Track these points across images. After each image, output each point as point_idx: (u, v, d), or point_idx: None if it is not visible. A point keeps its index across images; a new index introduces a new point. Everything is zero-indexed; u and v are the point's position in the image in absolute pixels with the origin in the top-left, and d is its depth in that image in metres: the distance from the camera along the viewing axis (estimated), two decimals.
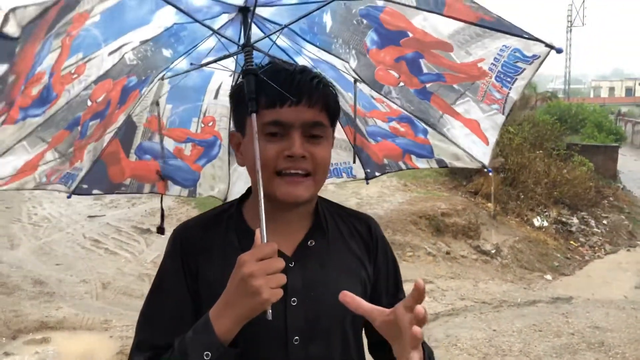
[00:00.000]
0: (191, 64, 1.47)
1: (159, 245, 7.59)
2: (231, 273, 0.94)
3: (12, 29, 0.82)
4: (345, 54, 1.52)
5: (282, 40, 1.49)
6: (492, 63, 1.34)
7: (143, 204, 9.67)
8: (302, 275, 1.03)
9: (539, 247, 9.33)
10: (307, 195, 1.05)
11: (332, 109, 1.08)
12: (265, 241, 0.94)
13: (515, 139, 12.04)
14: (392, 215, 8.71)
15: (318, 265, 1.09)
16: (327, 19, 1.46)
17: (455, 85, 1.44)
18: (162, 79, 1.54)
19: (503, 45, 1.30)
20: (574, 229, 10.57)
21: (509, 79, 1.35)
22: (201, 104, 1.72)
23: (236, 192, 1.92)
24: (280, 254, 0.95)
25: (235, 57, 1.35)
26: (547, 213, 10.92)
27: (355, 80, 1.56)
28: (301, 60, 1.56)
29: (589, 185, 12.10)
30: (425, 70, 1.43)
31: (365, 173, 1.82)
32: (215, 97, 1.71)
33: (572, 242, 10.08)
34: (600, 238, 10.35)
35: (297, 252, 1.09)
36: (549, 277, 8.20)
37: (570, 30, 45.19)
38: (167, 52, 1.45)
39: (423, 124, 1.59)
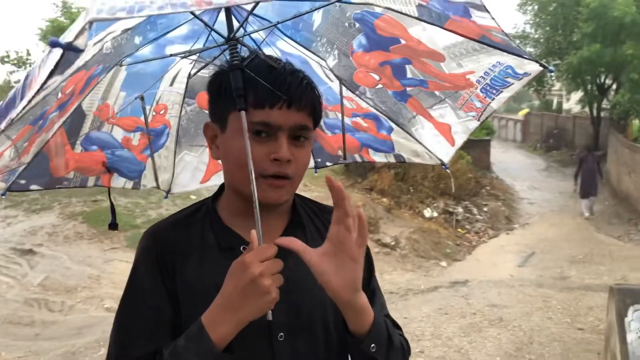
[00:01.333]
0: (171, 54, 1.37)
1: (45, 267, 6.85)
2: (210, 272, 0.98)
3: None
4: (324, 53, 1.49)
5: (257, 33, 1.42)
6: (481, 76, 1.34)
7: (21, 223, 8.67)
8: (284, 272, 0.99)
9: (432, 236, 9.97)
10: (287, 197, 1.07)
11: (317, 113, 1.07)
12: (261, 243, 0.94)
13: None
14: None
15: (297, 262, 1.05)
16: (317, 17, 1.42)
17: (436, 92, 1.44)
18: (120, 65, 1.40)
19: (497, 62, 1.30)
20: (460, 217, 11.45)
21: (494, 91, 1.36)
22: (156, 91, 1.60)
23: (180, 183, 1.82)
24: None
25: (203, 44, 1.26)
26: (435, 204, 11.70)
27: (341, 81, 1.53)
28: (269, 52, 1.49)
29: (469, 176, 13.19)
30: (409, 75, 1.42)
31: (315, 162, 1.81)
32: (171, 84, 1.60)
33: (459, 229, 10.90)
34: (483, 224, 11.32)
35: (277, 250, 1.05)
36: (444, 263, 8.79)
37: None
38: (137, 40, 1.33)
39: (390, 122, 1.59)
